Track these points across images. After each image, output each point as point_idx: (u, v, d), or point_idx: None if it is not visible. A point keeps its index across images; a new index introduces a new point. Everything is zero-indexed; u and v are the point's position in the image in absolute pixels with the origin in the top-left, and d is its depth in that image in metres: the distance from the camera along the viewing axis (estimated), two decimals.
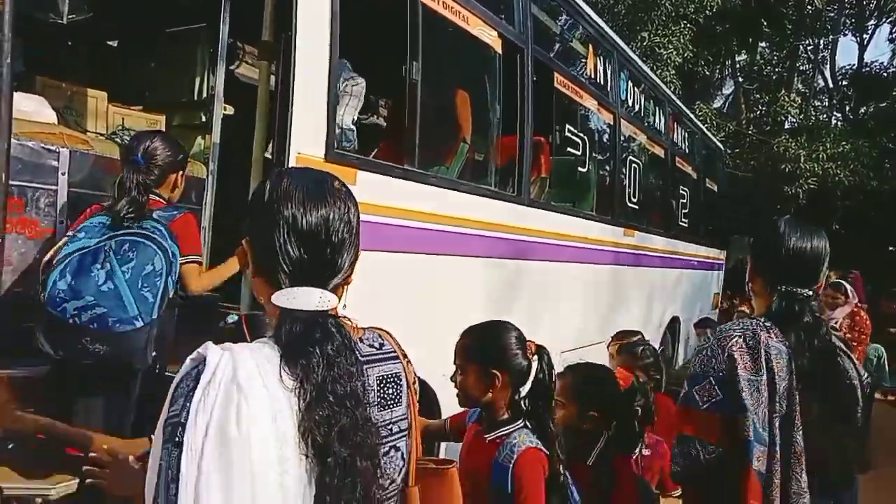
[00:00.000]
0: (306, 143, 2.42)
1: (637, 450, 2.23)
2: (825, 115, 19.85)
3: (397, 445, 1.10)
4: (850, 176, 14.91)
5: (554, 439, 1.73)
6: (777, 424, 1.57)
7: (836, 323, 4.37)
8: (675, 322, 7.28)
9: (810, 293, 1.68)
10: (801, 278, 1.68)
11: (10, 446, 1.98)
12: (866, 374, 1.74)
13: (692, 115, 8.56)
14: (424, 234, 3.12)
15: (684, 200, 7.60)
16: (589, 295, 5.14)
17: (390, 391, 1.10)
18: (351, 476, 0.94)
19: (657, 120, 6.65)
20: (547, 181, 4.53)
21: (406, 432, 1.12)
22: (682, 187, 7.56)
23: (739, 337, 1.64)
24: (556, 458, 1.71)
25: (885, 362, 6.26)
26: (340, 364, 0.98)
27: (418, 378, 1.20)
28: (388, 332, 1.17)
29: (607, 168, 5.58)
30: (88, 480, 1.55)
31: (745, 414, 1.56)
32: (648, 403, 2.36)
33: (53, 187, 2.44)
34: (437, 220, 3.19)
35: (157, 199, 2.43)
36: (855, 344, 4.69)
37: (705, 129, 9.38)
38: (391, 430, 1.08)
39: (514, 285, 4.05)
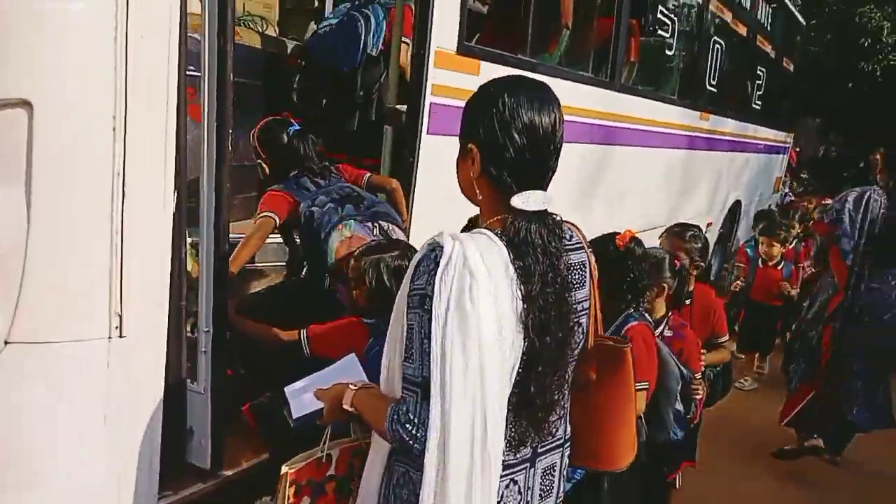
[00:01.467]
0: (443, 38, 2.59)
1: (659, 329, 2.28)
2: None
3: (580, 321, 1.27)
4: None
5: None
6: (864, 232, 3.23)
7: None
8: (737, 205, 7.39)
9: None
10: None
11: None
12: None
13: None
14: None
15: (760, 81, 7.41)
16: (663, 179, 5.30)
17: (576, 276, 1.26)
18: (561, 347, 1.19)
19: None
20: (635, 66, 4.55)
21: (587, 312, 1.30)
22: (759, 67, 7.34)
23: (853, 192, 3.27)
24: None
25: None
26: (561, 259, 1.19)
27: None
28: (575, 226, 1.35)
29: (691, 50, 5.49)
30: None
31: (842, 225, 3.27)
32: (682, 284, 2.45)
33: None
34: None
35: None
36: None
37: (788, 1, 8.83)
38: (576, 308, 1.25)
39: (599, 170, 4.24)
